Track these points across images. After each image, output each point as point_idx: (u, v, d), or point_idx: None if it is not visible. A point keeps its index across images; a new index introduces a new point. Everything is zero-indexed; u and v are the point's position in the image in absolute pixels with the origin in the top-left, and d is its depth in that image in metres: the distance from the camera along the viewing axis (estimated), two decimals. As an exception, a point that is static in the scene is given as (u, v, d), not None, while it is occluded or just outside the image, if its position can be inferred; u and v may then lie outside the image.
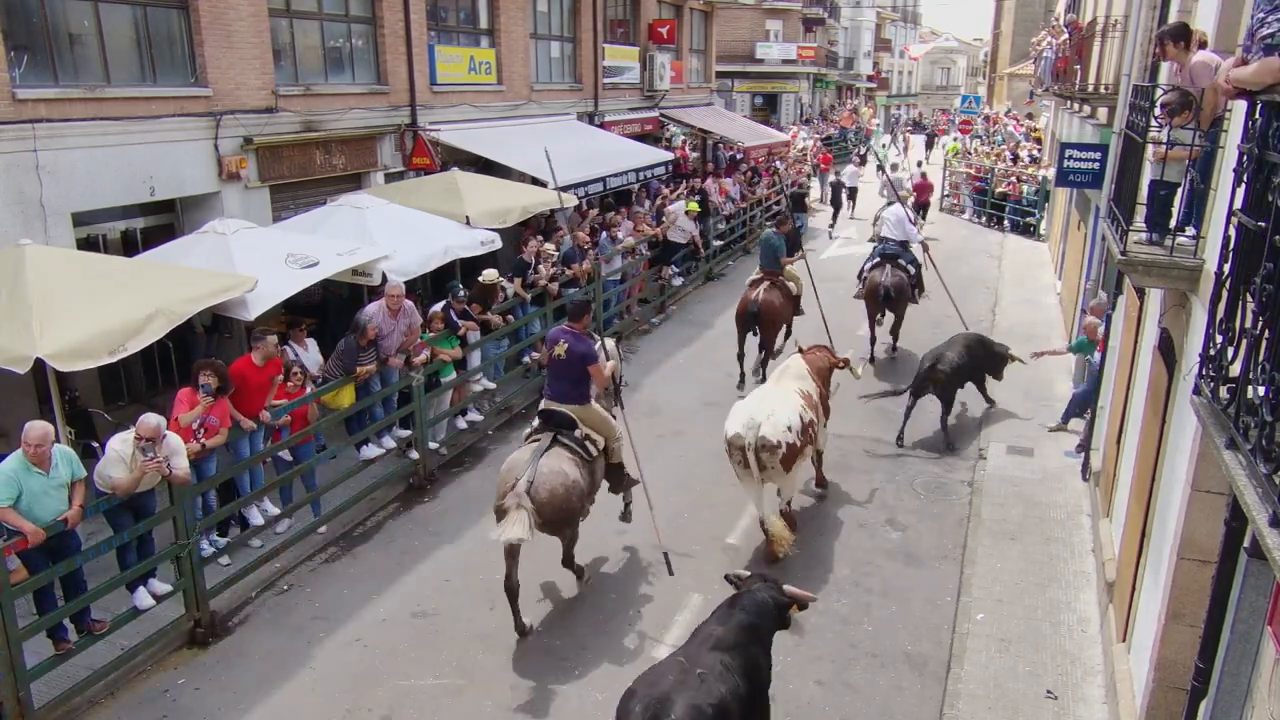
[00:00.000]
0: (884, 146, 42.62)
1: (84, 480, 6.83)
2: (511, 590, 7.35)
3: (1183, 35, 5.81)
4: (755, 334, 12.96)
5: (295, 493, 9.12)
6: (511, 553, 7.25)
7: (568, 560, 8.05)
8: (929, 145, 45.64)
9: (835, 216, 26.01)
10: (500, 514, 7.26)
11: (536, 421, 8.08)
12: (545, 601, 8.09)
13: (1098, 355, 11.03)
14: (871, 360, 14.11)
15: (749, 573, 6.36)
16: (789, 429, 8.39)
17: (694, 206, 18.18)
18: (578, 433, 7.86)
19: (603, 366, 8.06)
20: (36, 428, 6.47)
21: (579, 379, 7.91)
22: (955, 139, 36.96)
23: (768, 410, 8.49)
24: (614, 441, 8.24)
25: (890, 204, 15.65)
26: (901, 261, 13.87)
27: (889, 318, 14.29)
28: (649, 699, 4.97)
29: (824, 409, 9.53)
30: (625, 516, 8.80)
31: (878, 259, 14.08)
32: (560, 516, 7.45)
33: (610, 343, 8.89)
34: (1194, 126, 5.52)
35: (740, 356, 13.06)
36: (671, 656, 5.52)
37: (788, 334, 13.17)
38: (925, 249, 14.71)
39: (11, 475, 6.32)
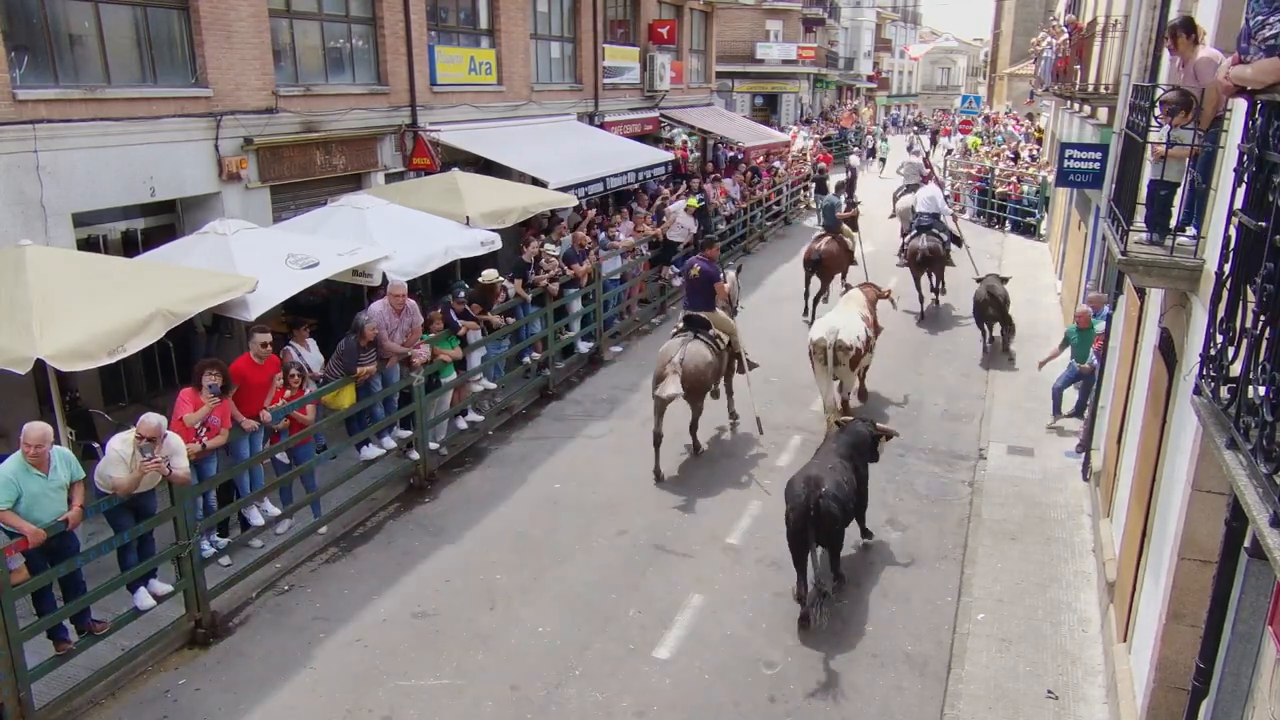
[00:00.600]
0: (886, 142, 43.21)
1: (83, 481, 6.83)
2: (658, 439, 10.31)
3: (1192, 29, 5.83)
4: (817, 277, 16.61)
5: (295, 493, 9.12)
6: (661, 409, 10.20)
7: (694, 427, 10.92)
8: (932, 143, 45.67)
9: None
10: (658, 380, 10.21)
11: (680, 324, 10.99)
12: (546, 601, 8.08)
13: (1093, 356, 11.05)
14: (922, 316, 16.85)
15: (851, 417, 9.73)
16: (858, 338, 11.19)
17: (694, 203, 18.18)
18: (710, 331, 10.77)
19: (725, 284, 11.20)
20: (36, 429, 6.46)
21: (709, 294, 10.88)
22: (977, 133, 37.39)
23: (843, 323, 11.24)
24: (735, 336, 11.17)
25: (912, 188, 20.20)
26: (934, 230, 16.73)
27: (931, 279, 17.33)
28: (806, 478, 7.76)
29: (875, 330, 12.10)
30: (731, 413, 11.79)
31: (915, 231, 16.94)
32: (698, 385, 10.34)
33: (731, 274, 12.29)
34: (1194, 126, 5.52)
35: (805, 294, 16.74)
36: (810, 463, 8.28)
37: (844, 279, 16.93)
38: (955, 219, 18.16)
39: (10, 478, 6.31)
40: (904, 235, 18.28)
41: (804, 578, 7.76)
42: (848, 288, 14.02)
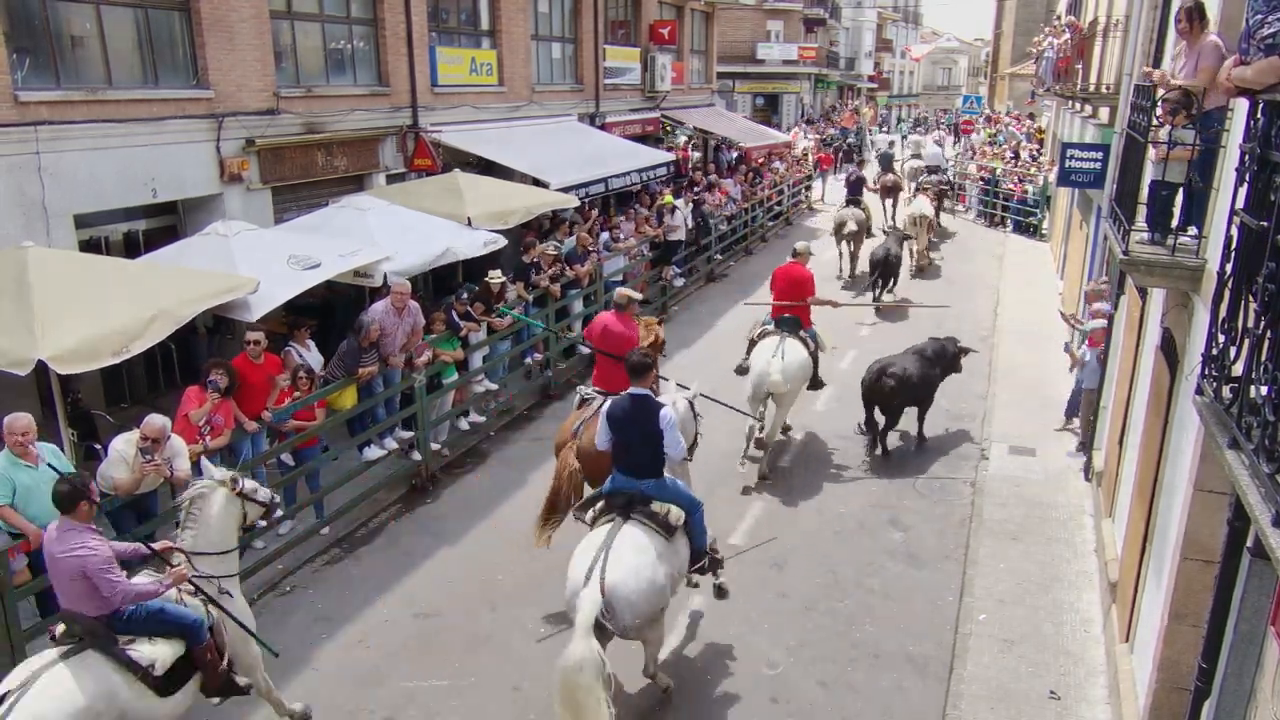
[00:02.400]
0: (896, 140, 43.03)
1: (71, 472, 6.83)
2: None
3: (1204, 14, 5.86)
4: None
5: (299, 494, 9.12)
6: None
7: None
8: (955, 137, 45.50)
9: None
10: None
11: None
12: (548, 602, 8.08)
13: (1084, 351, 10.98)
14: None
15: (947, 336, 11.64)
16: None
17: (669, 199, 18.18)
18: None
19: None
20: (20, 418, 6.46)
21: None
22: (990, 134, 37.70)
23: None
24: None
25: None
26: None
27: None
28: (880, 363, 10.57)
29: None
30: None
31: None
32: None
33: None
34: (1194, 126, 5.52)
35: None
36: (894, 355, 10.88)
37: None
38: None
39: (1, 473, 6.32)
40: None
41: (872, 431, 10.97)
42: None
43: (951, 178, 27.19)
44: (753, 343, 10.85)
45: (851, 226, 19.49)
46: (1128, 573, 7.11)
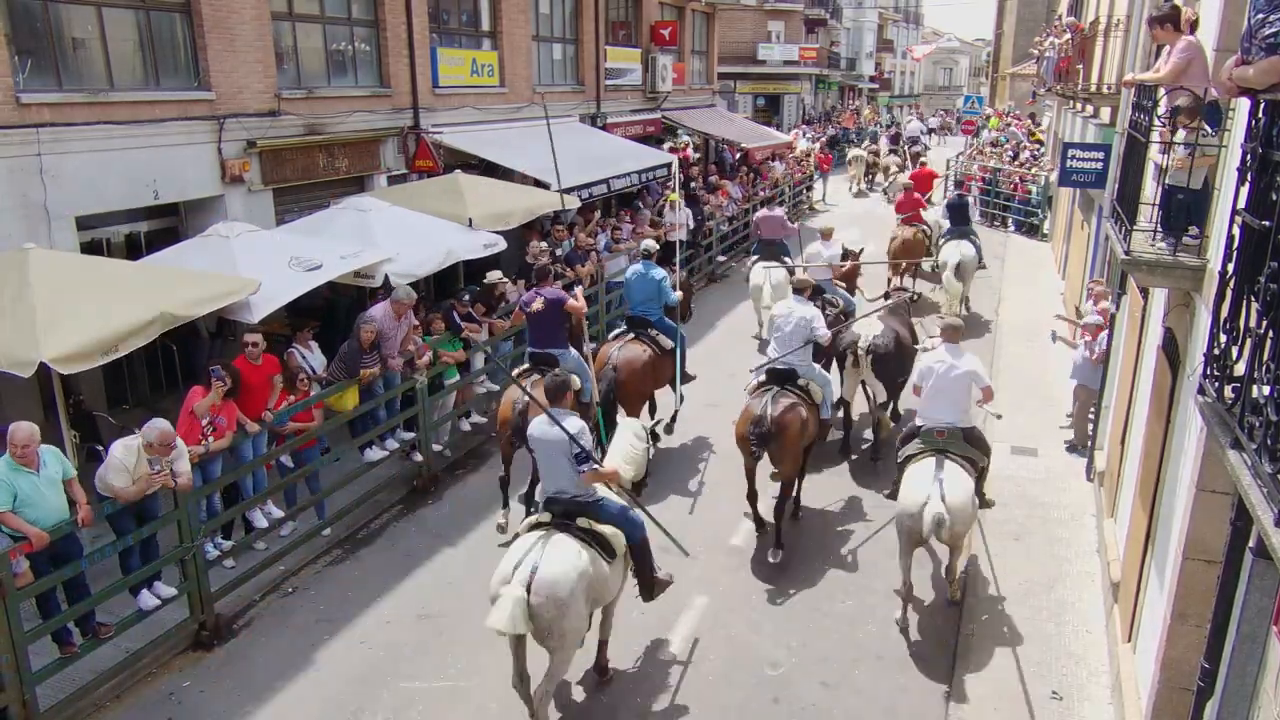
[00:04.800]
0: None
1: (75, 479, 6.84)
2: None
3: (1170, 18, 6.07)
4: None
5: (300, 495, 9.12)
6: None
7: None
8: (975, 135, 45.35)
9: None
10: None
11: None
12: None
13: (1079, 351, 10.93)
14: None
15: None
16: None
17: (673, 197, 18.17)
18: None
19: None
20: (23, 429, 6.41)
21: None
22: (995, 120, 38.67)
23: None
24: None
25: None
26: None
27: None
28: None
29: None
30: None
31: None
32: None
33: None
34: (1200, 128, 5.53)
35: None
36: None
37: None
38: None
39: (2, 479, 6.31)
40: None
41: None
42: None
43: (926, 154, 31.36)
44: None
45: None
46: (1130, 573, 7.10)
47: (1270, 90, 3.80)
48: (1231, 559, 4.33)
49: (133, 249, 10.84)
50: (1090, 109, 15.72)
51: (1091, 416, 10.85)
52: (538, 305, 9.22)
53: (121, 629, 7.04)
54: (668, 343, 10.56)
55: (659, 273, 10.54)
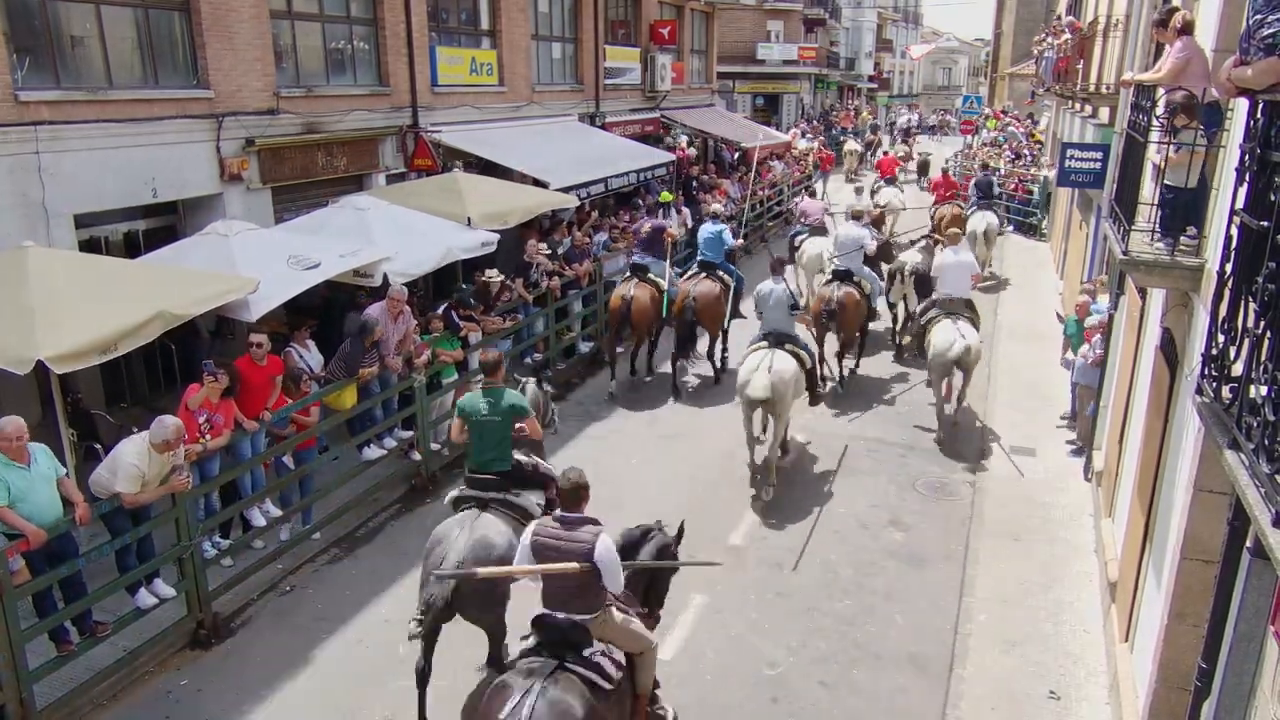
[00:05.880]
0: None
1: (66, 476, 6.83)
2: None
3: (1165, 21, 6.20)
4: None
5: (293, 499, 9.07)
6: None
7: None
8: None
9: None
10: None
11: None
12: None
13: (1080, 354, 10.95)
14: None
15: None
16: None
17: (668, 196, 18.18)
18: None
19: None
20: (12, 422, 6.42)
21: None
22: (994, 120, 39.12)
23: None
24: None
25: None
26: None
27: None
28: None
29: None
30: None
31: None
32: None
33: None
34: (1197, 126, 5.53)
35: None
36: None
37: None
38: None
39: None
40: None
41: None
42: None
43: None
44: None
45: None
46: (1128, 573, 7.11)
47: (1268, 91, 3.80)
48: (1229, 559, 4.34)
49: (131, 247, 10.82)
50: (1089, 109, 15.72)
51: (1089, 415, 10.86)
52: (646, 229, 14.00)
53: (119, 627, 7.04)
54: (729, 279, 13.34)
55: (722, 227, 13.58)
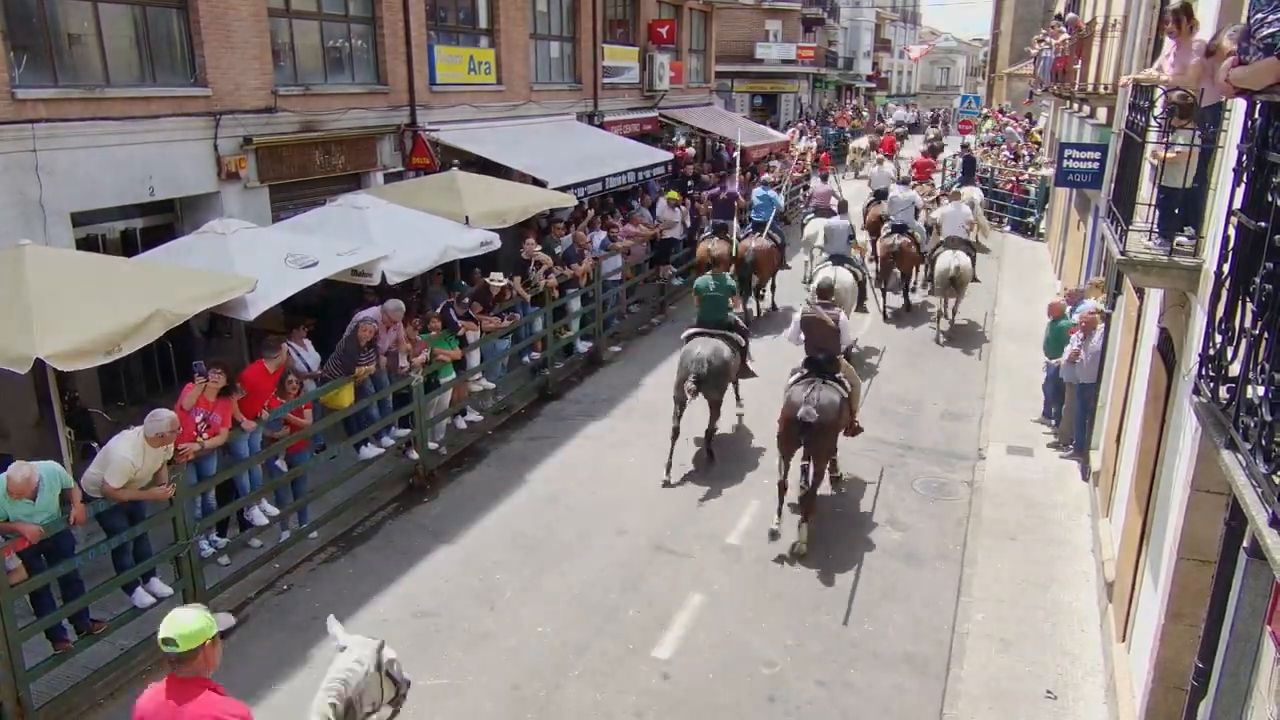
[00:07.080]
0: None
1: (75, 487, 6.79)
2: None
3: (1190, 16, 6.02)
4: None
5: (287, 500, 9.04)
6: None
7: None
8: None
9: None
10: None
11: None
12: (545, 601, 8.08)
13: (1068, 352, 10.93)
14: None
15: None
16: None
17: (673, 195, 18.17)
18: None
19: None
20: (22, 470, 6.21)
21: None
22: (992, 120, 39.59)
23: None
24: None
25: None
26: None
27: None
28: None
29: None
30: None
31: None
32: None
33: None
34: (1193, 127, 5.53)
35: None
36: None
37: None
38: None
39: None
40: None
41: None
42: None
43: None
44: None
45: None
46: (1125, 573, 7.11)
47: (1267, 91, 3.80)
48: (1226, 559, 4.34)
49: (128, 245, 10.80)
50: (1087, 109, 15.73)
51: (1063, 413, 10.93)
52: (724, 195, 16.53)
53: (116, 626, 7.05)
54: (777, 238, 16.40)
55: (773, 193, 17.21)
